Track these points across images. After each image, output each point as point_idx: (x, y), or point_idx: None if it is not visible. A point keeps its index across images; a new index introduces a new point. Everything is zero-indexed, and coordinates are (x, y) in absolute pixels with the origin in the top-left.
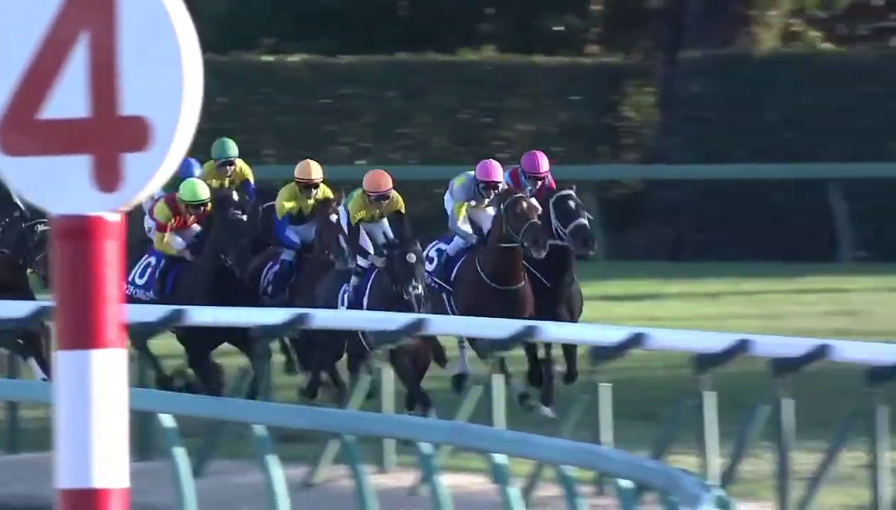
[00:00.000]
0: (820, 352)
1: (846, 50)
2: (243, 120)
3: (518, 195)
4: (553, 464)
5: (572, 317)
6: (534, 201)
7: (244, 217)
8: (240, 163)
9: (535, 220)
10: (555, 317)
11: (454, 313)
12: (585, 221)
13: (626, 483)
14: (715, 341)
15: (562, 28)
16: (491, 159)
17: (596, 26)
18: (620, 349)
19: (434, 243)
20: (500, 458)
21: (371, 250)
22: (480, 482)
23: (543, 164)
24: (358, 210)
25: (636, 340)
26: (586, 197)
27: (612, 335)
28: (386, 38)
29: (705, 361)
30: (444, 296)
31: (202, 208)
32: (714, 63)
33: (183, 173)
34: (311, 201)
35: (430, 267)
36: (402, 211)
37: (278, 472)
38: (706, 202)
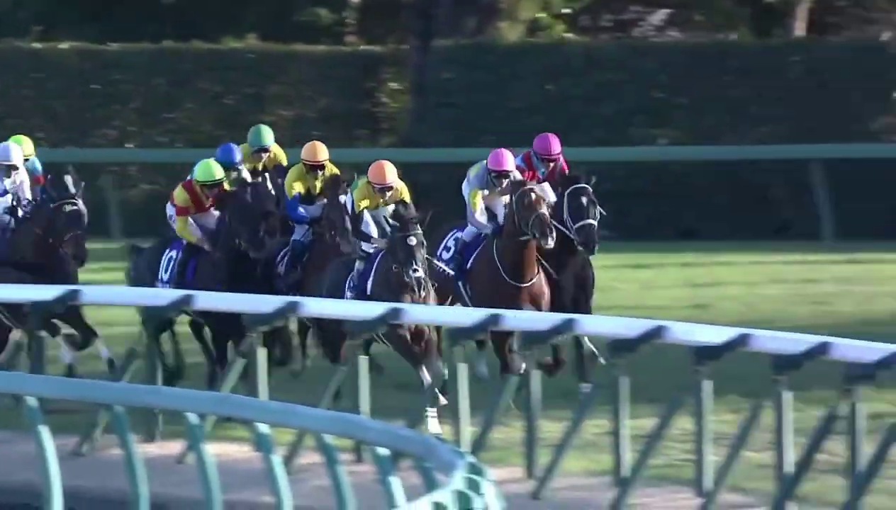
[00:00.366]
0: (566, 327)
1: (589, 40)
2: (14, 104)
3: (527, 187)
4: (314, 433)
5: (587, 300)
6: (547, 187)
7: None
8: (275, 148)
9: (544, 211)
10: (569, 301)
11: (470, 300)
12: (593, 222)
13: (383, 451)
14: (466, 316)
15: (321, 19)
16: (502, 148)
17: (354, 17)
18: (377, 324)
19: (452, 233)
20: (263, 428)
21: (375, 234)
22: (245, 450)
23: (555, 146)
24: (361, 199)
25: (394, 315)
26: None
27: (368, 311)
28: (153, 27)
29: (458, 335)
30: (460, 283)
31: (218, 188)
32: (464, 52)
33: (225, 158)
34: (318, 182)
35: (446, 255)
36: (407, 200)
37: (49, 442)
38: (456, 184)
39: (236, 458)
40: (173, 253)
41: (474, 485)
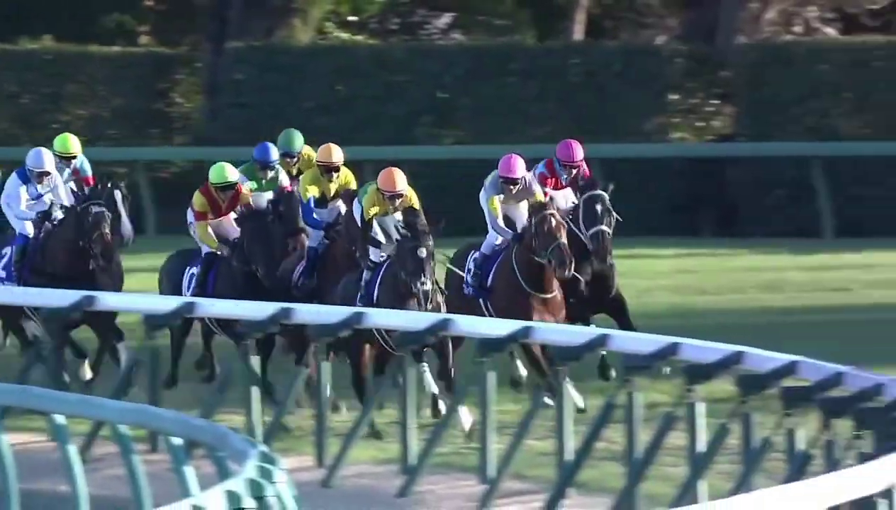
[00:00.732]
0: (355, 320)
1: (378, 42)
2: None
3: (548, 212)
4: (109, 423)
5: (610, 293)
6: (568, 192)
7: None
8: (307, 150)
9: (563, 240)
10: (590, 298)
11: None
12: (605, 228)
13: (177, 440)
14: (255, 310)
15: (123, 24)
16: (513, 154)
17: (148, 19)
18: (172, 317)
19: (472, 253)
20: (59, 418)
21: (383, 241)
22: (42, 441)
23: (578, 153)
24: (371, 206)
25: (188, 309)
26: (139, 176)
27: (163, 305)
28: None
29: (248, 328)
30: (481, 301)
31: (233, 191)
32: (256, 53)
33: (261, 156)
34: (332, 185)
35: (468, 277)
36: (416, 207)
37: None
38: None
39: (33, 449)
40: (194, 269)
41: (266, 474)
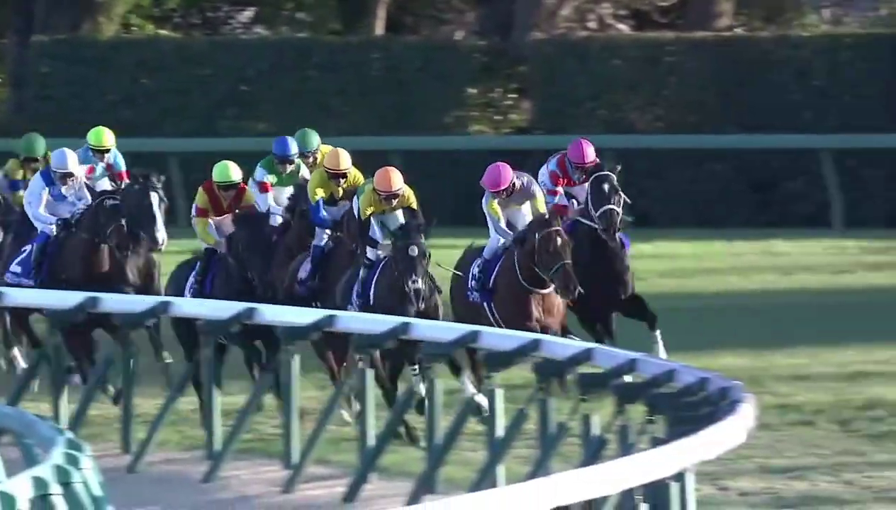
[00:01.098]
0: (162, 309)
1: (181, 36)
2: None
3: (553, 230)
4: None
5: (625, 292)
6: (583, 189)
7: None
8: (324, 149)
9: (569, 260)
10: (606, 297)
11: (496, 321)
12: (614, 207)
13: None
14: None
15: None
16: (499, 164)
17: None
18: None
19: (477, 261)
20: None
21: (381, 240)
22: None
23: (589, 154)
24: (367, 206)
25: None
26: None
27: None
28: None
29: (54, 319)
30: (485, 305)
31: (236, 190)
32: (62, 46)
33: (280, 151)
34: (341, 189)
35: (472, 283)
36: (414, 206)
37: None
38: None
39: None
40: (193, 271)
41: (73, 460)
